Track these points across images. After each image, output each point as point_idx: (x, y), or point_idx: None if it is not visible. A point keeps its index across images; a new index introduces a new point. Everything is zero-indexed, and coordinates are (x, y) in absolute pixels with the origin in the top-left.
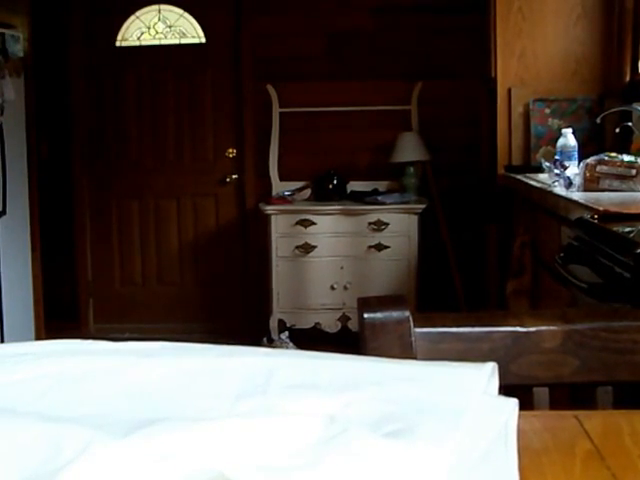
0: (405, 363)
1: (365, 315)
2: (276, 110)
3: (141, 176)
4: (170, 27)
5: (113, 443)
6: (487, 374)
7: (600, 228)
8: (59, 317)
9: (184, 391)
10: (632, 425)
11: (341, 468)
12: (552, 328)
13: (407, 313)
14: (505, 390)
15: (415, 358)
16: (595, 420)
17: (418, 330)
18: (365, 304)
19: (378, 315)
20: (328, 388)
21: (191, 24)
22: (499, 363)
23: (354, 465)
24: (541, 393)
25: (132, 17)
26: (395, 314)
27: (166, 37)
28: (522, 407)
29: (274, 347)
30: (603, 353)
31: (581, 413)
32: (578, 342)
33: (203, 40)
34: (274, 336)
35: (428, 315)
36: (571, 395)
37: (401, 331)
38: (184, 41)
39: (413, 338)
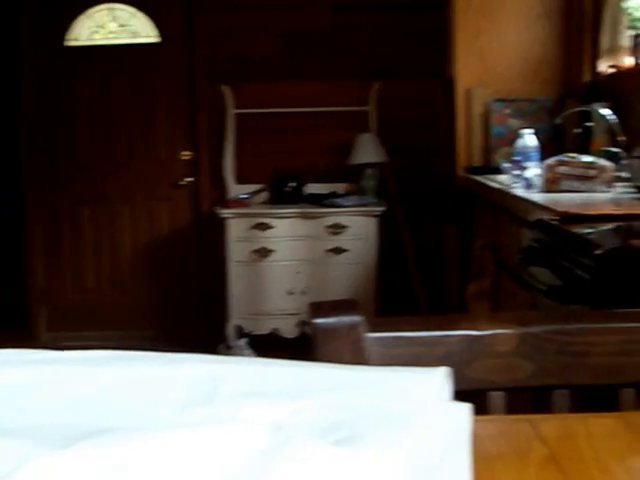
0: (356, 369)
1: (316, 320)
2: (231, 111)
3: (93, 180)
4: (122, 26)
5: (54, 455)
6: (440, 379)
7: (560, 230)
8: (9, 326)
9: (129, 401)
10: (587, 428)
11: (288, 477)
12: (507, 331)
13: (359, 318)
14: (461, 395)
15: (368, 363)
16: (550, 424)
17: (371, 335)
18: (317, 309)
19: (330, 320)
20: (276, 396)
21: (144, 23)
22: (454, 367)
23: (301, 473)
24: (497, 397)
25: (83, 16)
26: (347, 319)
27: (118, 37)
28: (478, 412)
29: (231, 354)
30: (558, 356)
31: (536, 417)
32: (533, 345)
33: (156, 40)
34: (231, 343)
35: (381, 320)
36: (533, 399)
37: (353, 336)
38: (136, 41)
39: (366, 343)
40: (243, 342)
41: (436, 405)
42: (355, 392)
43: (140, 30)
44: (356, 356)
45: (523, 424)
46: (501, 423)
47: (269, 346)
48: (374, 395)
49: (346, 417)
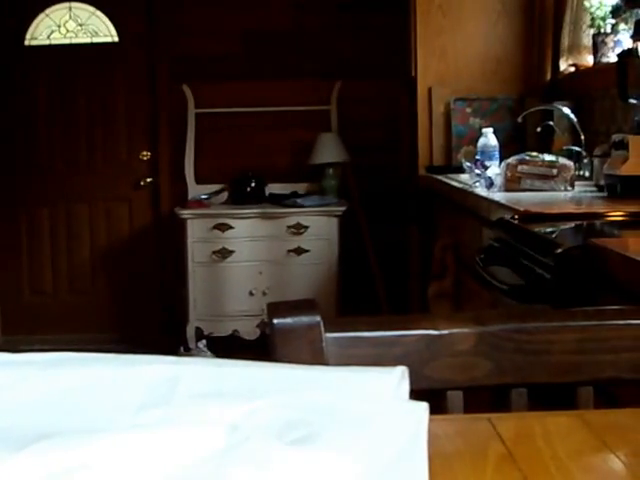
0: (313, 369)
1: (275, 321)
2: (192, 111)
3: (52, 180)
4: (81, 25)
5: (8, 457)
6: (397, 378)
7: (520, 229)
8: None
9: (85, 402)
10: (545, 427)
11: (243, 477)
12: (465, 330)
13: (318, 318)
14: (420, 394)
15: (327, 364)
16: (508, 423)
17: (329, 335)
18: (275, 310)
19: (288, 320)
20: (233, 396)
21: (103, 22)
22: (412, 367)
23: (256, 474)
24: (455, 397)
25: (42, 15)
26: (305, 319)
27: (77, 36)
28: (437, 411)
29: (191, 356)
30: (517, 355)
31: (494, 416)
32: (491, 344)
33: (116, 39)
34: (191, 345)
35: (339, 319)
36: (493, 398)
37: (312, 337)
38: (96, 40)
39: (324, 343)
40: (202, 344)
41: (393, 404)
42: (312, 392)
43: (99, 29)
44: (315, 356)
45: (481, 423)
46: (459, 422)
47: (230, 348)
48: (331, 395)
49: (303, 417)
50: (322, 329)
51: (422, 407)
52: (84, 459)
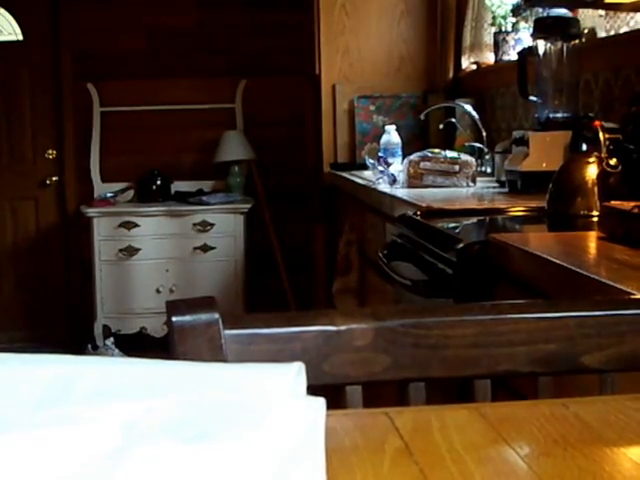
0: (210, 366)
1: (173, 319)
2: (97, 109)
3: None
4: None
5: None
6: (293, 374)
7: (423, 225)
8: None
9: None
10: (442, 420)
11: (137, 475)
12: (363, 326)
13: (216, 315)
14: (319, 390)
15: (226, 361)
16: (406, 416)
17: (228, 332)
18: (173, 308)
19: (187, 318)
20: (131, 394)
21: (7, 20)
22: (311, 363)
23: (151, 471)
24: (354, 392)
25: None
26: (204, 317)
27: None
28: (337, 406)
29: (99, 354)
30: (415, 349)
31: (392, 410)
32: (389, 339)
33: (20, 37)
34: (99, 343)
35: (238, 317)
36: (396, 393)
37: (211, 334)
38: (0, 38)
39: (223, 341)
40: (110, 342)
41: (289, 400)
42: (208, 389)
43: (3, 27)
44: (214, 354)
45: (379, 417)
46: (357, 417)
47: (138, 345)
48: (227, 391)
49: (199, 414)
50: (221, 326)
51: (319, 402)
52: None
